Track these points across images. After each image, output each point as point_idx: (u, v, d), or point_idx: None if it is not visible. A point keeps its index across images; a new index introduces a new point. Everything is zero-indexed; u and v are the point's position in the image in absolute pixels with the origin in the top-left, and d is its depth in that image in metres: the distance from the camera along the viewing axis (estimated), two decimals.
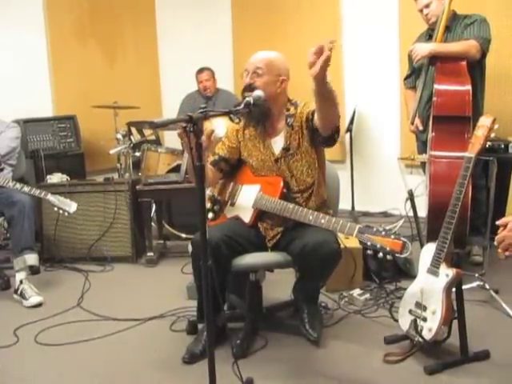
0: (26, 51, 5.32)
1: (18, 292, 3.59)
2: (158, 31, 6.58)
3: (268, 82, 2.77)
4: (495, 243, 2.01)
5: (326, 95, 2.45)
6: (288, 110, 2.85)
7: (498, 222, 2.01)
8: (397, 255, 2.41)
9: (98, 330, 3.12)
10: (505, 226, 1.98)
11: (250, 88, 2.73)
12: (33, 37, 5.41)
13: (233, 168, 3.01)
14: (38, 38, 5.46)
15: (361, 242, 2.50)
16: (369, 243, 2.44)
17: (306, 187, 2.84)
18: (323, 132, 2.67)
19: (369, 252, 2.47)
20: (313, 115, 2.70)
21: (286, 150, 2.83)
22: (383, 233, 2.43)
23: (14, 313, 3.44)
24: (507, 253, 1.99)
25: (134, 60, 6.30)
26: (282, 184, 2.79)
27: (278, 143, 2.86)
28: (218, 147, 2.99)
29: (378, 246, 2.42)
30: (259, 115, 2.80)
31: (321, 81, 2.32)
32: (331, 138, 2.71)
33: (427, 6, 3.78)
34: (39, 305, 3.53)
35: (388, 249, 2.40)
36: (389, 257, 2.42)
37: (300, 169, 2.83)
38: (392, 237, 2.41)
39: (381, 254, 2.42)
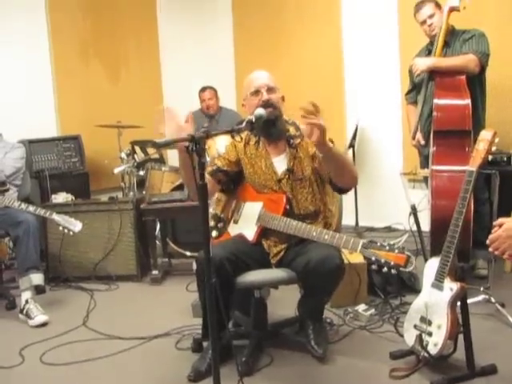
0: (31, 72, 5.38)
1: (24, 312, 3.59)
2: (160, 50, 6.64)
3: (279, 97, 2.83)
4: (487, 242, 2.03)
5: (333, 161, 2.58)
6: (288, 130, 2.87)
7: (495, 223, 2.04)
8: (401, 269, 2.42)
9: (104, 348, 3.11)
10: (500, 226, 2.01)
11: (268, 104, 2.73)
12: (37, 57, 5.47)
13: (232, 181, 3.00)
14: (43, 58, 5.52)
15: (365, 257, 2.51)
16: (373, 258, 2.45)
17: (307, 214, 2.85)
18: (342, 186, 2.78)
19: (373, 267, 2.48)
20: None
21: (289, 171, 2.85)
22: (387, 247, 2.44)
23: (19, 333, 3.45)
24: (497, 252, 2.01)
25: (137, 80, 6.34)
26: (284, 201, 2.80)
27: (280, 163, 2.87)
28: (216, 159, 3.00)
29: (383, 260, 2.42)
30: (277, 133, 2.82)
31: (322, 147, 2.46)
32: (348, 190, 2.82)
33: (431, 16, 3.81)
34: (45, 324, 3.53)
35: (392, 263, 2.40)
36: (393, 271, 2.43)
37: (305, 195, 2.85)
38: (396, 251, 2.42)
39: (385, 269, 2.43)
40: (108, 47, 6.08)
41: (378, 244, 2.47)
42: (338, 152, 2.59)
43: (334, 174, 2.69)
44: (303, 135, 2.83)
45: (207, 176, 2.87)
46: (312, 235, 2.64)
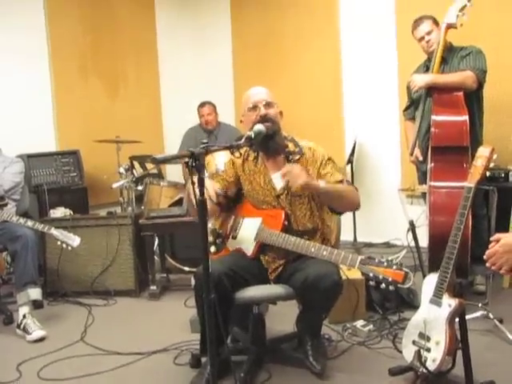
0: (30, 86, 5.40)
1: (21, 327, 3.58)
2: (159, 66, 6.69)
3: (277, 112, 2.84)
4: (485, 257, 2.05)
5: (326, 197, 2.72)
6: (286, 146, 2.88)
7: (491, 238, 2.06)
8: (399, 285, 2.42)
9: (102, 364, 3.11)
10: (497, 241, 2.03)
11: (266, 119, 2.75)
12: (37, 72, 5.50)
13: (231, 202, 3.02)
14: (42, 73, 5.55)
15: (363, 274, 2.51)
16: (371, 274, 2.46)
17: (306, 230, 2.86)
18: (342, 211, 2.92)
19: (371, 283, 2.48)
20: None
21: (288, 187, 2.84)
22: (385, 263, 2.45)
23: (16, 348, 3.43)
24: (494, 267, 2.02)
25: (135, 95, 6.38)
26: (283, 217, 2.81)
27: (279, 179, 2.85)
28: (214, 181, 3.00)
29: (381, 277, 2.43)
30: (275, 147, 2.83)
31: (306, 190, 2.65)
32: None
33: (429, 33, 3.84)
34: (42, 339, 3.52)
35: (390, 279, 2.41)
36: (391, 287, 2.44)
37: (303, 212, 2.85)
38: (394, 267, 2.43)
39: (383, 285, 2.44)
40: (107, 63, 6.12)
41: (376, 260, 2.48)
42: (327, 189, 2.66)
43: (332, 206, 2.77)
44: (303, 152, 2.86)
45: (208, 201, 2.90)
46: (310, 251, 2.64)
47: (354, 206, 2.87)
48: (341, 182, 2.83)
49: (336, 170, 2.87)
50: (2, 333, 3.71)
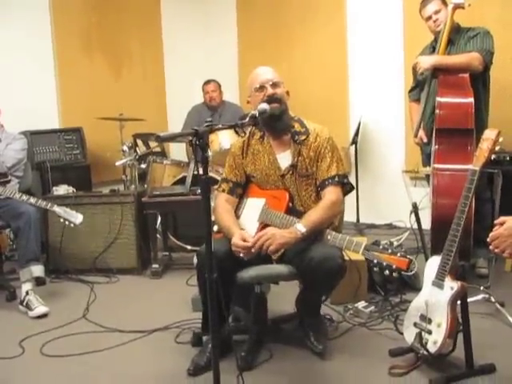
0: (33, 63, 5.37)
1: (24, 303, 3.60)
2: (164, 44, 6.64)
3: (284, 92, 2.82)
4: (488, 240, 2.05)
5: (313, 233, 2.66)
6: (293, 126, 2.86)
7: (496, 221, 2.06)
8: (403, 273, 2.42)
9: (103, 341, 3.12)
10: (501, 224, 2.02)
11: (273, 98, 2.73)
12: (40, 49, 5.47)
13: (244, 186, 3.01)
14: (46, 50, 5.52)
15: (367, 260, 2.50)
16: (375, 261, 2.46)
17: None
18: None
19: (375, 269, 2.48)
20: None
21: (293, 167, 2.83)
22: (389, 250, 2.44)
23: (19, 324, 3.45)
24: (497, 250, 2.02)
25: (140, 73, 6.35)
26: (287, 198, 2.80)
27: (285, 159, 2.85)
28: (227, 172, 2.98)
29: (385, 263, 2.43)
30: (282, 126, 2.82)
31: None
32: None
33: (437, 12, 3.79)
34: (45, 316, 3.54)
35: (394, 267, 2.42)
36: (395, 274, 2.44)
37: (309, 193, 2.84)
38: (398, 254, 2.42)
39: (387, 272, 2.44)
40: (111, 40, 6.08)
41: (381, 247, 2.47)
42: (308, 232, 2.63)
43: None
44: (308, 133, 2.84)
45: (225, 195, 2.93)
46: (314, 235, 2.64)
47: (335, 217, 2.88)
48: (332, 178, 2.78)
49: (334, 160, 2.81)
50: (5, 309, 3.73)
